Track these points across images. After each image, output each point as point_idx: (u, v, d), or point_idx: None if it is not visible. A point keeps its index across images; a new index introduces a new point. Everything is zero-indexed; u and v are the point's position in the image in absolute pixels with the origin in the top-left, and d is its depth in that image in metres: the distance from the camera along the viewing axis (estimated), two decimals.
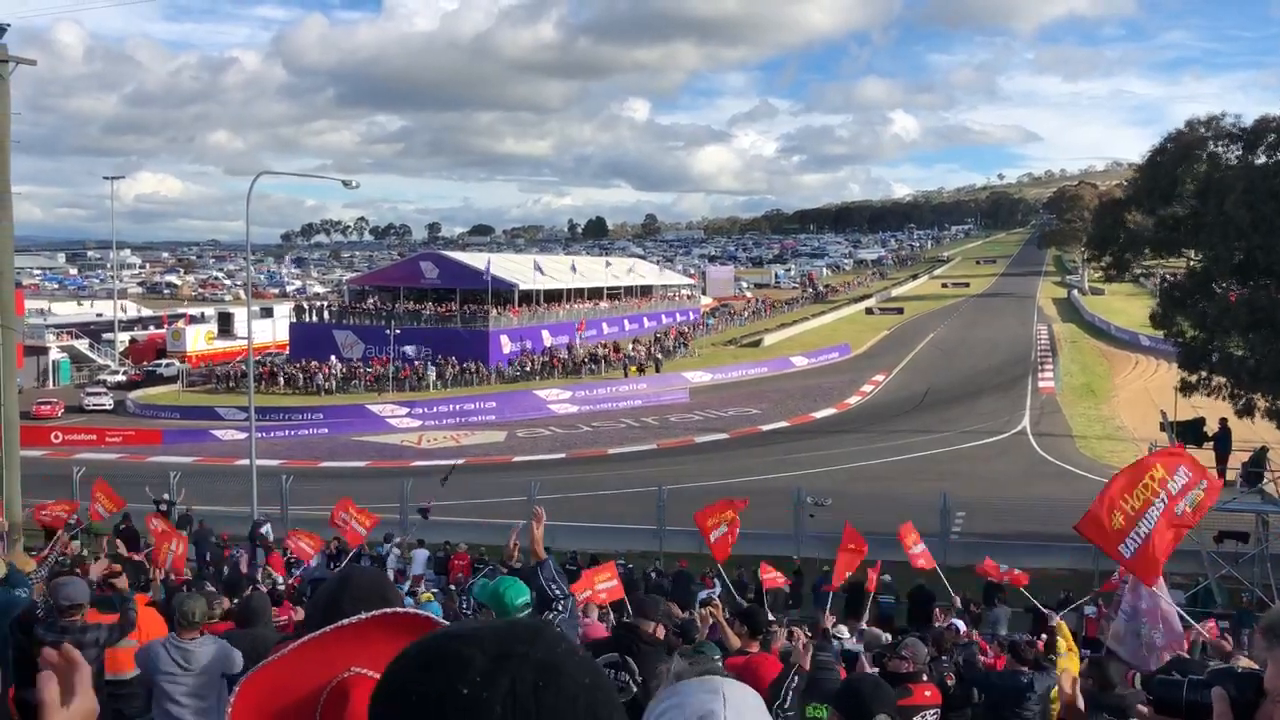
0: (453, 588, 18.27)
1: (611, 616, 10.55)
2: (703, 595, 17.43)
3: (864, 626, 12.64)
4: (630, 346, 64.99)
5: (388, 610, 1.43)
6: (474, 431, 48.04)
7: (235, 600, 10.96)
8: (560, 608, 4.62)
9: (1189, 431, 22.91)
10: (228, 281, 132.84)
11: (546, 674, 1.07)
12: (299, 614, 10.40)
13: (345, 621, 1.45)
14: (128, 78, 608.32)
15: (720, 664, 5.51)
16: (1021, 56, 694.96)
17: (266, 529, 23.54)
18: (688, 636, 8.63)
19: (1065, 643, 7.89)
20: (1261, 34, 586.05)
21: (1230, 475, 22.47)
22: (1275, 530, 21.50)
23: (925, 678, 6.37)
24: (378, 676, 1.46)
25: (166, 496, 25.60)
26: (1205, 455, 22.60)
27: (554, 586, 4.63)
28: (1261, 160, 25.70)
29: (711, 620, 10.83)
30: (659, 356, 62.91)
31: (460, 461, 31.45)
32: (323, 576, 14.69)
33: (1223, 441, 22.74)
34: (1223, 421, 22.91)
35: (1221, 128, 26.69)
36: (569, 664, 1.09)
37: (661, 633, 5.48)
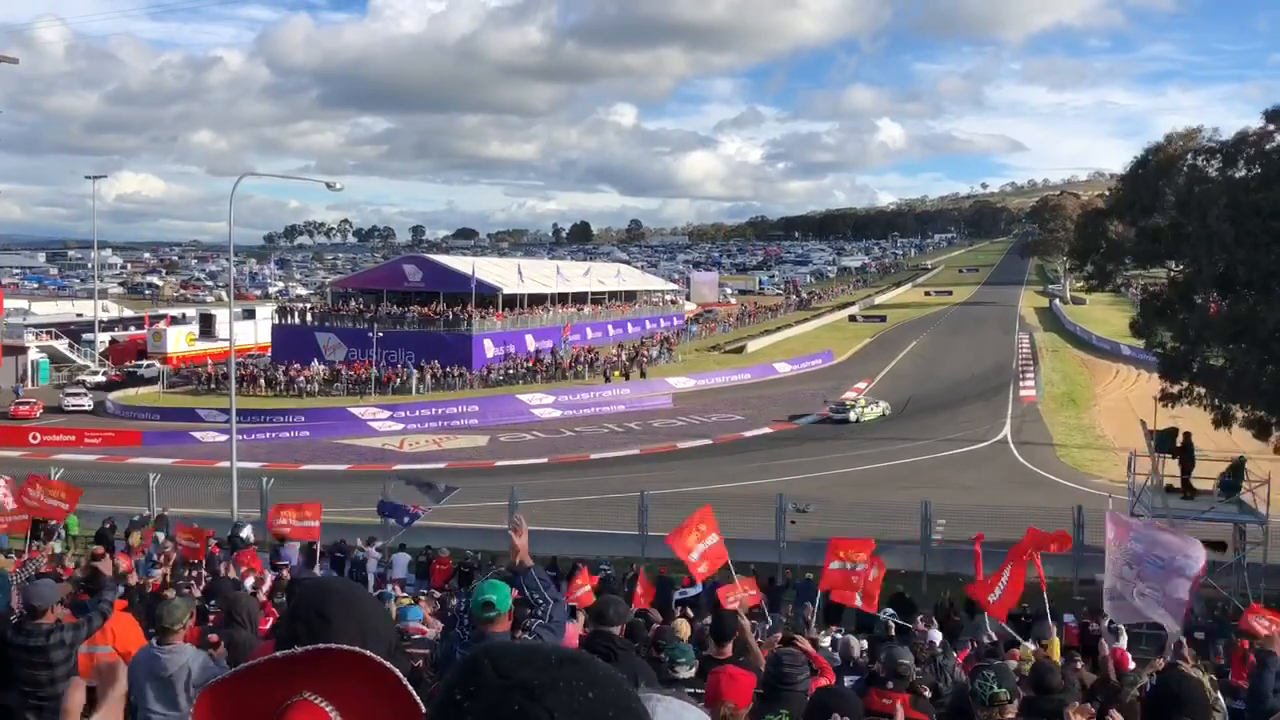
0: (436, 592, 18.20)
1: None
2: (679, 595, 17.45)
3: (838, 634, 12.66)
4: (614, 351, 64.98)
5: (322, 647, 1.49)
6: (456, 435, 47.90)
7: (212, 603, 10.88)
8: (540, 614, 4.70)
9: (1166, 441, 23.13)
10: (209, 282, 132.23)
11: (532, 698, 1.08)
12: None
13: (288, 652, 1.49)
14: (110, 76, 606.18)
15: (692, 672, 5.53)
16: (1008, 66, 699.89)
17: (247, 532, 23.31)
18: (667, 639, 8.61)
19: (1052, 654, 7.90)
20: (1244, 48, 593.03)
21: (1208, 484, 22.74)
22: (1252, 540, 21.67)
23: (890, 685, 6.34)
24: (324, 705, 1.48)
25: (145, 511, 25.39)
26: (1172, 465, 23.08)
27: (535, 594, 4.70)
28: (1242, 173, 25.92)
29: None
30: (643, 362, 62.92)
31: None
32: (305, 577, 14.65)
33: (1186, 454, 23.00)
34: (1186, 435, 23.18)
35: (1200, 142, 26.92)
36: (559, 698, 1.09)
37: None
